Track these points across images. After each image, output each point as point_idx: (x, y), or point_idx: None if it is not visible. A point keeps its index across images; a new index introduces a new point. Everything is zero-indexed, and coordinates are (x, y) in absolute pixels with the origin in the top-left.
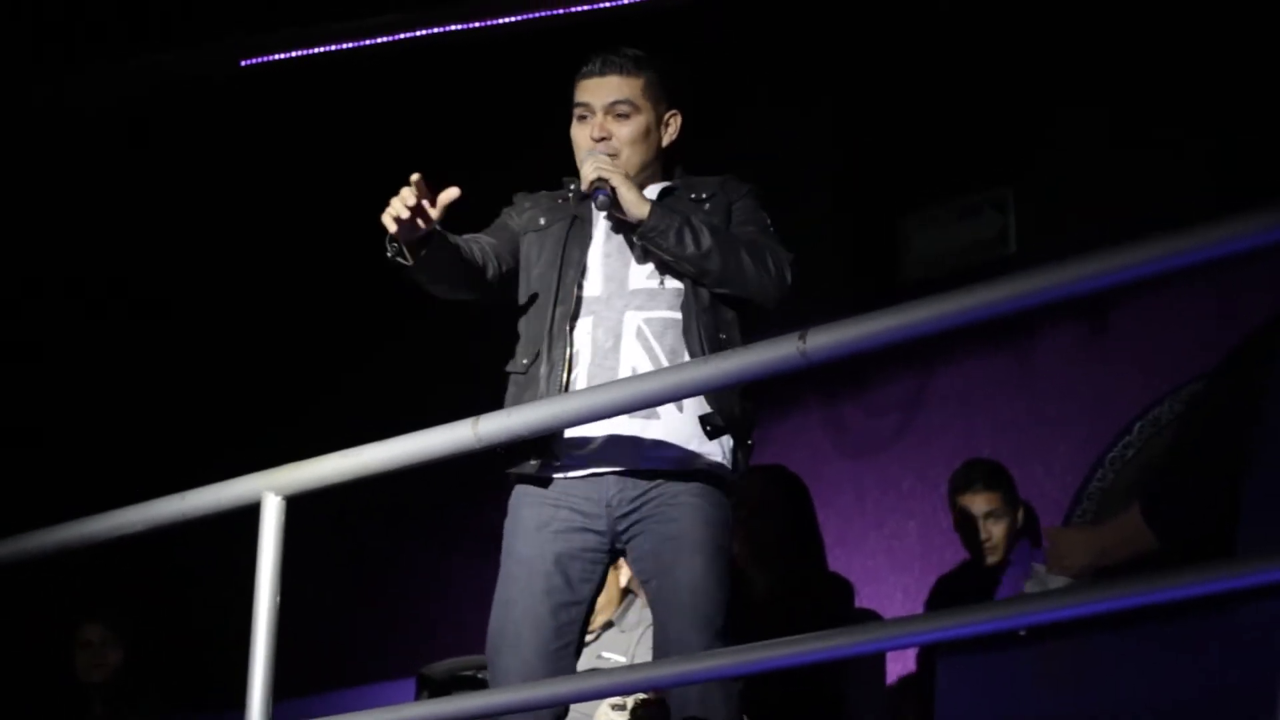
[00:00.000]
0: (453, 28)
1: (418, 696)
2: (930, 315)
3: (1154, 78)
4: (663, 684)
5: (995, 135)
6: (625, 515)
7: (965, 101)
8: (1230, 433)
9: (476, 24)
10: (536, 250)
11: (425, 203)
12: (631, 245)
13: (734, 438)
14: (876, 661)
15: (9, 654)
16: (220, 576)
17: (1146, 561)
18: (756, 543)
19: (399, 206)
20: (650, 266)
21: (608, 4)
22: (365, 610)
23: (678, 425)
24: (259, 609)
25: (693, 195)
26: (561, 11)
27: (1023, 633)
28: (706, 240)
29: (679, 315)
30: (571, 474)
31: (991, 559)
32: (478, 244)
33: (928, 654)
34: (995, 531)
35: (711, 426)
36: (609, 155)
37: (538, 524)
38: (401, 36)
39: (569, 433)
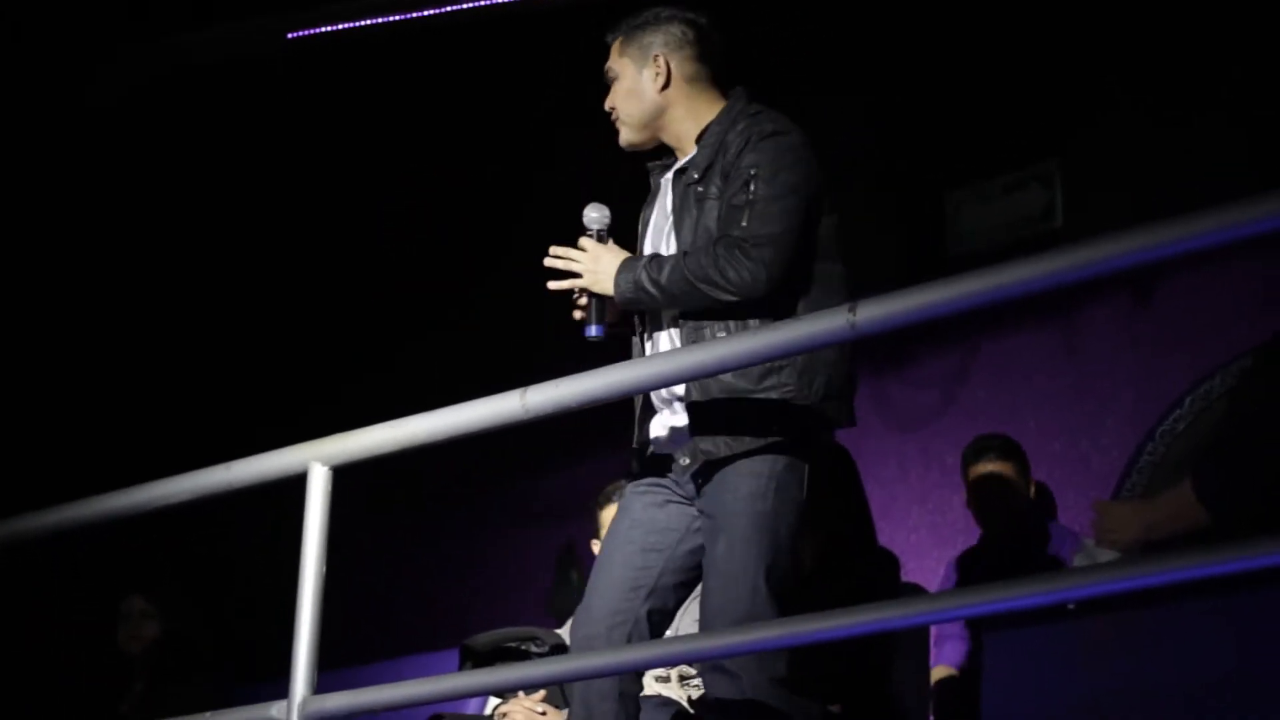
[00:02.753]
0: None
1: (461, 668)
2: (979, 288)
3: (1200, 50)
4: (706, 656)
5: (1041, 110)
6: (690, 485)
7: (1011, 76)
8: None
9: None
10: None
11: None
12: (664, 223)
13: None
14: (920, 637)
15: (55, 624)
16: (263, 548)
17: (1197, 536)
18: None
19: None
20: (673, 248)
21: None
22: (408, 582)
23: (704, 411)
24: (304, 580)
25: (695, 176)
26: None
27: (1071, 606)
28: (661, 293)
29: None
30: (662, 450)
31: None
32: None
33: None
34: (1013, 497)
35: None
36: (617, 120)
37: (638, 481)
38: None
39: (651, 431)
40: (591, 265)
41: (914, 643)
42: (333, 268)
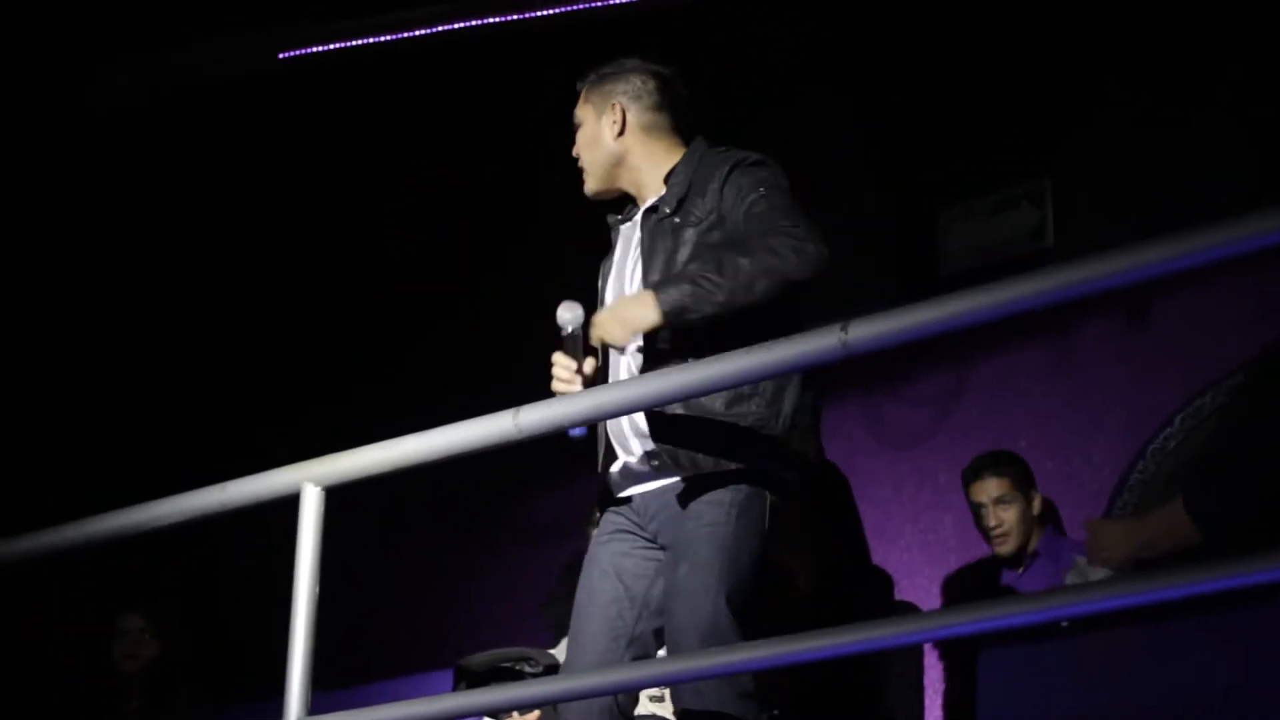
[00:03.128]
0: (491, 20)
1: (455, 688)
2: (970, 307)
3: (1191, 68)
4: (686, 678)
5: (1032, 128)
6: (650, 524)
7: (1002, 94)
8: (1274, 425)
9: (514, 17)
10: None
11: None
12: (625, 265)
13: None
14: (914, 656)
15: (50, 643)
16: (258, 567)
17: (1189, 554)
18: (790, 533)
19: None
20: (637, 289)
21: None
22: (403, 602)
23: (672, 429)
24: (298, 600)
25: (666, 211)
26: (600, 4)
27: (1064, 624)
28: (721, 291)
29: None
30: (623, 493)
31: (1003, 548)
32: None
33: (959, 650)
34: (1005, 517)
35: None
36: (585, 175)
37: (603, 530)
38: (428, 31)
39: (615, 459)
40: (611, 321)
41: (907, 661)
42: (325, 277)
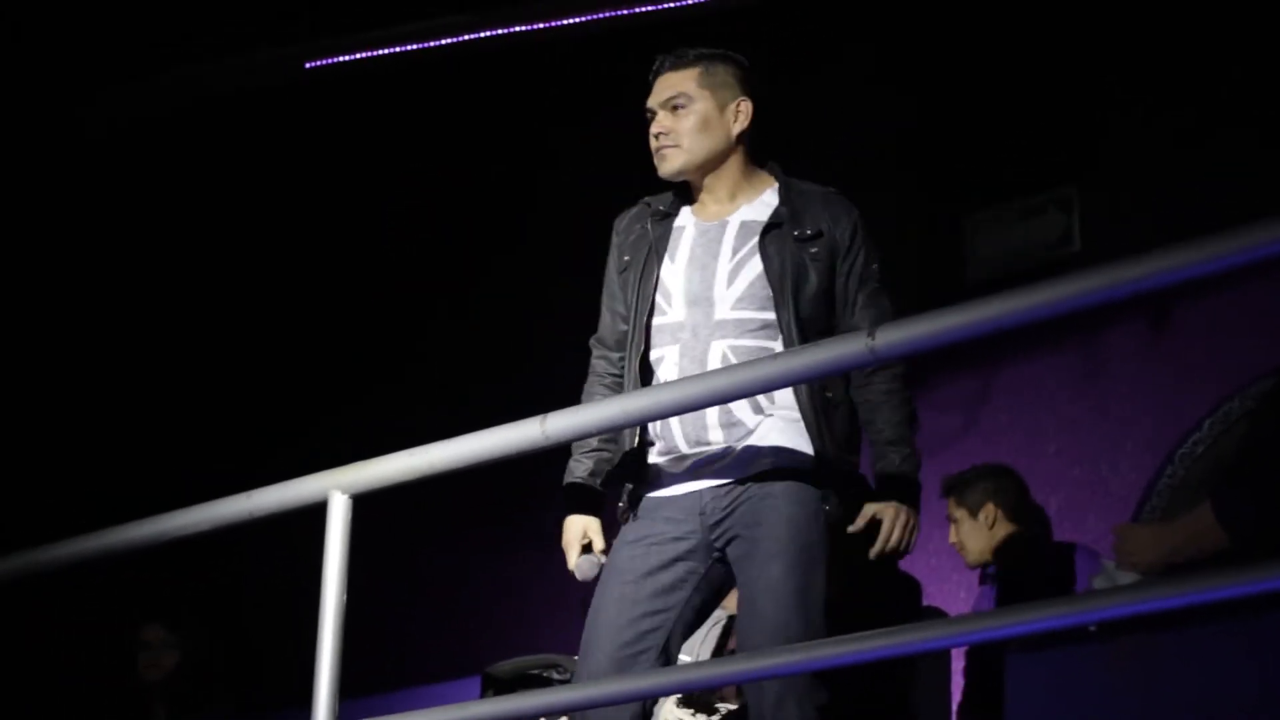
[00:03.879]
0: (517, 29)
1: (483, 695)
2: (997, 313)
3: (1218, 77)
4: (728, 681)
5: (1059, 134)
6: (719, 523)
7: (1029, 100)
8: None
9: (541, 25)
10: (630, 289)
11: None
12: (714, 264)
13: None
14: (941, 663)
15: (75, 652)
16: (284, 575)
17: (1217, 558)
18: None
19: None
20: (738, 291)
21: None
22: (430, 609)
23: (763, 430)
24: (325, 608)
25: (796, 233)
26: (628, 12)
27: (1093, 629)
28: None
29: (772, 345)
30: (665, 492)
31: (968, 560)
32: (607, 359)
33: (985, 655)
34: (952, 534)
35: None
36: (670, 146)
37: (634, 539)
38: (461, 39)
39: (655, 458)
40: (904, 525)
41: (934, 667)
42: (340, 285)
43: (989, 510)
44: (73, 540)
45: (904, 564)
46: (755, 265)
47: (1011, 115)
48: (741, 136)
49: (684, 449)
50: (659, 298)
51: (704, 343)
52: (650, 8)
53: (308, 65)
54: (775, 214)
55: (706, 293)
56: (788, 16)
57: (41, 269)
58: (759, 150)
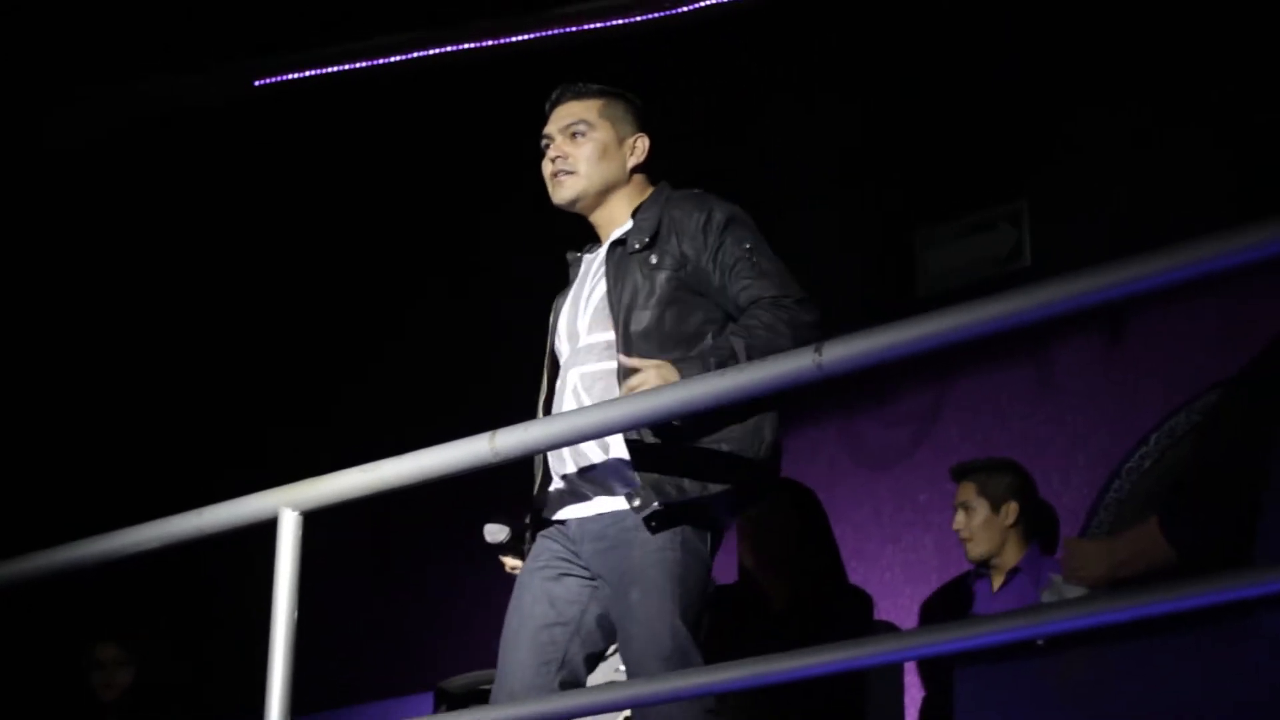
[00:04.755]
0: (465, 47)
1: (435, 710)
2: (944, 327)
3: (1169, 87)
4: (650, 701)
5: (1008, 149)
6: (584, 553)
7: (978, 115)
8: (1248, 445)
9: (489, 43)
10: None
11: None
12: (581, 295)
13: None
14: (894, 677)
15: (26, 672)
16: (237, 592)
17: (1164, 573)
18: (765, 553)
19: None
20: (589, 317)
21: (627, 20)
22: (382, 625)
23: (614, 465)
24: (276, 625)
25: (636, 245)
26: (575, 29)
27: (1040, 643)
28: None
29: (611, 365)
30: (553, 516)
31: (969, 553)
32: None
33: (937, 669)
34: (966, 522)
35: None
36: (567, 173)
37: (534, 555)
38: (410, 56)
39: (551, 480)
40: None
41: (887, 682)
42: (291, 301)
43: (1012, 508)
44: (21, 558)
45: (857, 579)
46: (601, 287)
47: (960, 129)
48: (637, 170)
49: (554, 477)
50: (553, 338)
51: (565, 373)
52: (601, 24)
53: (256, 83)
54: (623, 233)
55: (573, 325)
56: (729, 34)
57: None
58: (672, 175)
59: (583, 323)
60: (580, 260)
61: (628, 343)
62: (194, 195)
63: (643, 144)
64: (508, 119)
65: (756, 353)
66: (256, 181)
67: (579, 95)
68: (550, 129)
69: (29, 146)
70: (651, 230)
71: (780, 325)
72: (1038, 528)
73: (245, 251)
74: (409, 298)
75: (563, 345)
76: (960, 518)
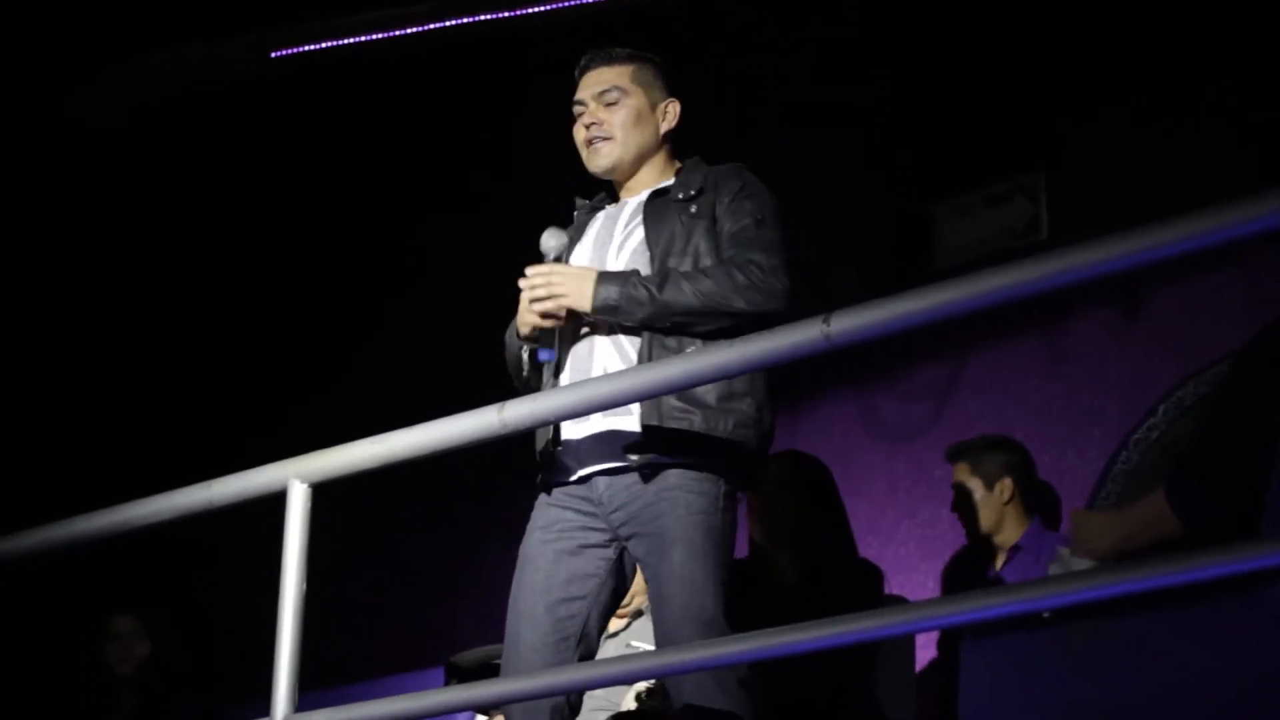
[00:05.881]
0: (483, 18)
1: (447, 685)
2: (954, 298)
3: (1187, 66)
4: (676, 670)
5: (1026, 122)
6: (615, 512)
7: (996, 89)
8: (1256, 417)
9: (507, 14)
10: None
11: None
12: (609, 240)
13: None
14: (905, 651)
15: (41, 645)
16: (249, 566)
17: (1171, 545)
18: (775, 526)
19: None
20: (624, 260)
21: None
22: (393, 599)
23: (651, 418)
24: (285, 598)
25: (680, 195)
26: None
27: (1047, 615)
28: (656, 306)
29: None
30: (567, 479)
31: (970, 533)
32: None
33: (949, 640)
34: (961, 501)
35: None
36: (604, 139)
37: (544, 525)
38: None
39: (565, 433)
40: (575, 283)
41: (897, 653)
42: (301, 275)
43: (1006, 485)
44: (33, 531)
45: (873, 554)
46: (639, 232)
47: (978, 103)
48: (668, 136)
49: (584, 431)
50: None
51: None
52: None
53: (272, 55)
54: (664, 186)
55: (600, 267)
56: (748, 6)
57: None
58: (691, 146)
59: (613, 264)
60: (591, 211)
61: None
62: (205, 170)
63: (674, 109)
64: (523, 87)
65: (685, 293)
66: (269, 154)
67: (610, 61)
68: (583, 94)
69: (45, 125)
70: (697, 186)
71: (741, 278)
72: (1038, 503)
73: (255, 225)
74: (418, 269)
75: None
76: (956, 500)
